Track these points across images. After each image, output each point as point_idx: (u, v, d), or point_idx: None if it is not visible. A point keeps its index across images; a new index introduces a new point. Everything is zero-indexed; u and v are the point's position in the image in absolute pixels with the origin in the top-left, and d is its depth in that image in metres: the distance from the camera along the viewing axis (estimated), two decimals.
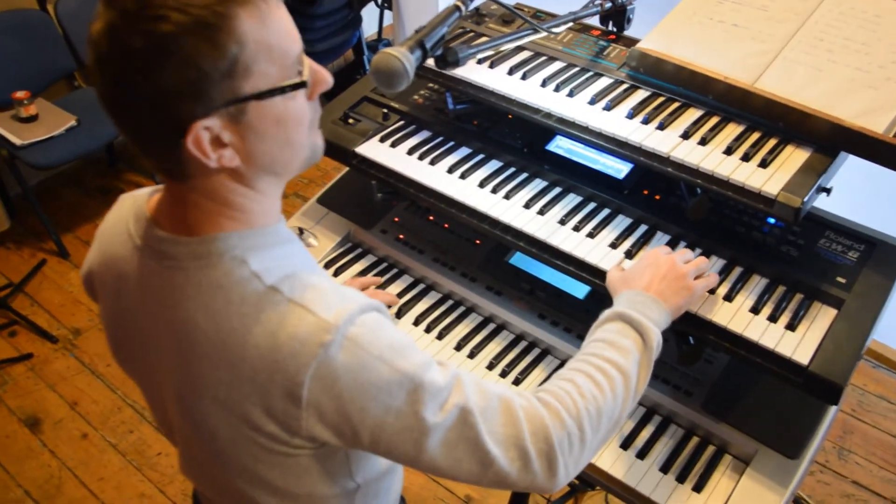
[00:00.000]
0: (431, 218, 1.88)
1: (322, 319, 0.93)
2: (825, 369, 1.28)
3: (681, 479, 1.42)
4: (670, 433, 1.49)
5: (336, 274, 1.81)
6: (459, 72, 1.63)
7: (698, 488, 1.40)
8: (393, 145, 1.75)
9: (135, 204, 1.08)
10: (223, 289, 0.96)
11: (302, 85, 0.94)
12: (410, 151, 1.73)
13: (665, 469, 1.43)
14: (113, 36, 0.84)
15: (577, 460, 1.07)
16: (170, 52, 0.83)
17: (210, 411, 0.99)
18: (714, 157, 1.40)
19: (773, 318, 1.36)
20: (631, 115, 1.51)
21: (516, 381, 1.57)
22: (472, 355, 1.62)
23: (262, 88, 0.90)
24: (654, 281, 1.29)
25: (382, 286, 1.78)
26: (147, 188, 1.11)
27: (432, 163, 1.69)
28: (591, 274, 1.47)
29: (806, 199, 1.30)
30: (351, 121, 1.81)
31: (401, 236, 1.85)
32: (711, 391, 1.50)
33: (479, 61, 1.69)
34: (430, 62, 1.39)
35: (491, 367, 1.60)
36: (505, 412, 1.02)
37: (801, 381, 1.29)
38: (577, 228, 1.53)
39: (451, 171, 1.67)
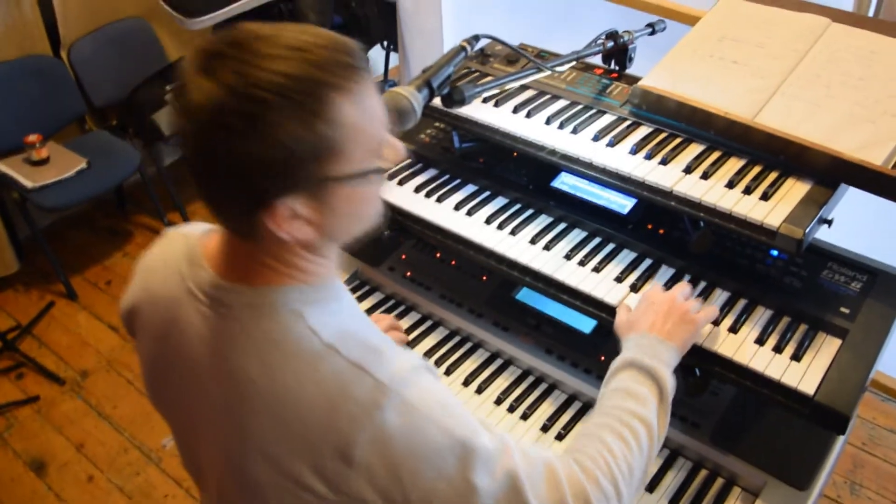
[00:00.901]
0: (438, 255, 1.91)
1: (379, 382, 0.94)
2: (831, 399, 1.29)
3: None
4: (678, 466, 1.50)
5: None
6: (465, 110, 1.67)
7: None
8: (400, 183, 1.78)
9: (187, 244, 1.09)
10: (279, 343, 0.97)
11: (386, 169, 0.97)
12: (418, 189, 1.76)
13: (674, 503, 1.44)
14: (215, 109, 0.85)
15: None
16: (267, 132, 0.85)
17: (257, 466, 0.99)
18: (716, 190, 1.43)
19: (778, 349, 1.38)
20: (634, 151, 1.54)
21: (524, 416, 1.58)
22: (479, 391, 1.64)
23: (350, 172, 0.92)
24: (658, 321, 1.32)
25: None
26: (198, 227, 1.12)
27: (439, 200, 1.73)
28: (597, 308, 1.49)
29: (807, 230, 1.33)
30: None
31: (408, 273, 1.88)
32: (719, 423, 1.51)
33: (485, 100, 1.74)
34: (437, 101, 1.43)
35: (499, 402, 1.61)
36: (549, 478, 1.03)
37: (808, 411, 1.31)
38: (582, 263, 1.55)
39: (457, 208, 1.70)
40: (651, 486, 1.46)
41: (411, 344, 1.74)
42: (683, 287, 1.40)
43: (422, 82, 1.33)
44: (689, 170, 1.48)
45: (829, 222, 1.42)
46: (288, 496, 0.98)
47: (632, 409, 1.17)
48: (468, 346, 1.74)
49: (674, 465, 1.50)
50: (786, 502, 1.40)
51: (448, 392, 1.01)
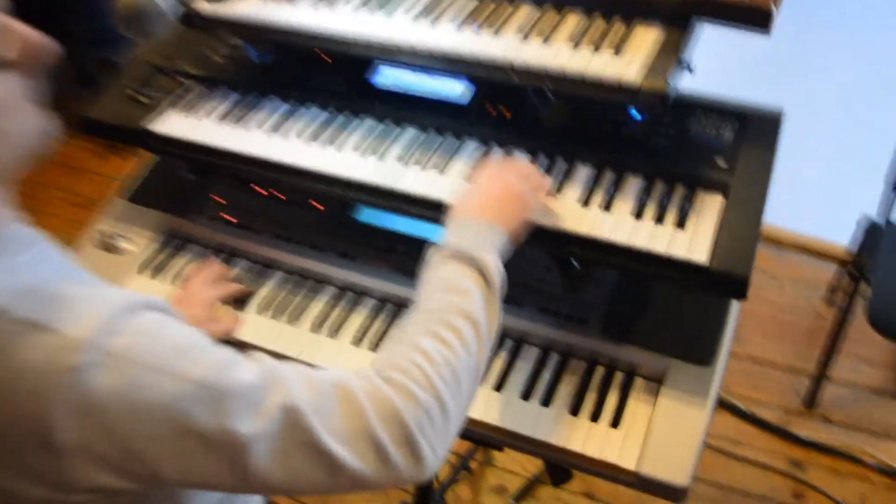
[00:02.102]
0: (259, 190, 1.60)
1: (66, 337, 0.71)
2: (727, 264, 1.12)
3: (595, 417, 1.24)
4: (572, 369, 1.31)
5: (158, 271, 1.52)
6: (251, 11, 1.35)
7: (616, 423, 1.23)
8: (196, 116, 1.45)
9: None
10: None
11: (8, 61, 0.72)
12: (217, 118, 1.44)
13: (576, 410, 1.25)
14: None
15: (444, 436, 0.89)
16: None
17: None
18: (562, 54, 1.19)
19: (659, 219, 1.18)
20: (460, 26, 1.28)
21: None
22: (332, 333, 1.38)
23: None
24: (487, 204, 1.11)
25: None
26: None
27: (244, 126, 1.42)
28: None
29: (670, 80, 1.12)
30: (143, 98, 1.50)
31: (229, 217, 1.57)
32: (607, 314, 1.32)
33: None
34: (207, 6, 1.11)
35: (357, 342, 1.37)
36: (344, 401, 0.82)
37: (704, 282, 1.13)
38: (423, 166, 1.30)
39: (267, 131, 1.40)
40: (547, 399, 1.26)
41: (249, 295, 1.46)
42: (518, 168, 1.19)
43: None
44: (526, 36, 1.23)
45: (691, 68, 1.22)
46: None
47: (451, 303, 0.97)
48: (311, 285, 1.47)
49: (567, 368, 1.31)
50: (693, 381, 1.24)
51: (186, 329, 0.79)
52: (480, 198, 1.13)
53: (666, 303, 1.32)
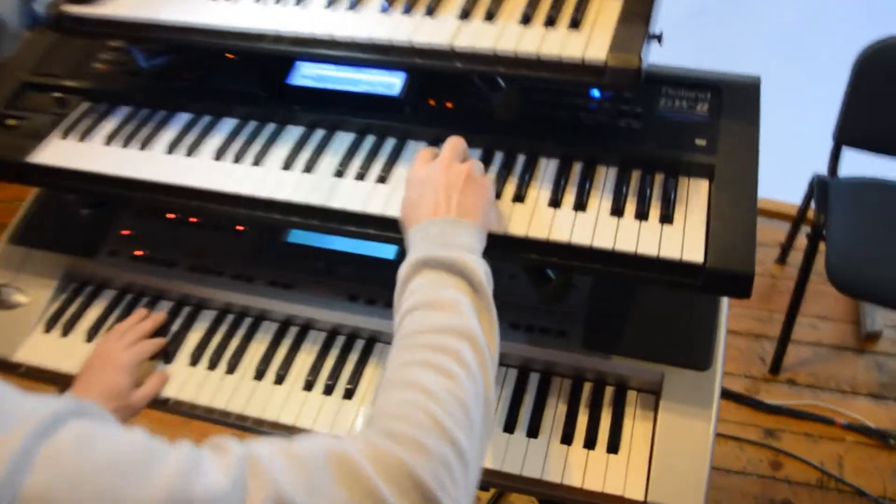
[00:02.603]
0: (172, 216, 1.38)
1: None
2: (725, 261, 0.96)
3: (590, 443, 1.08)
4: (556, 390, 1.14)
5: (67, 330, 1.28)
6: (128, 11, 1.12)
7: (614, 447, 1.08)
8: (82, 138, 1.21)
9: None
10: None
11: None
12: (109, 140, 1.20)
13: (568, 438, 1.09)
14: None
15: (466, 486, 0.71)
16: None
17: None
18: (511, 32, 1.00)
19: (642, 216, 1.02)
20: (386, 8, 1.08)
21: (348, 395, 1.16)
22: (279, 380, 1.18)
23: None
24: (440, 197, 0.93)
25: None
26: None
27: (143, 146, 1.19)
28: (398, 231, 1.05)
29: (642, 53, 0.95)
30: (12, 122, 1.25)
31: (138, 252, 1.34)
32: (587, 323, 1.16)
33: None
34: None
35: (309, 386, 1.17)
36: (341, 472, 0.63)
37: (702, 283, 0.97)
38: (360, 176, 1.10)
39: (171, 150, 1.17)
40: (533, 429, 1.10)
41: (171, 346, 1.24)
42: (453, 146, 1.00)
43: None
44: (466, 14, 1.04)
45: (660, 38, 1.05)
46: None
47: (437, 322, 0.80)
48: (248, 323, 1.27)
49: (550, 390, 1.14)
50: (692, 389, 1.09)
51: (120, 435, 0.59)
52: (427, 194, 0.94)
53: (652, 305, 1.16)
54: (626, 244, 0.98)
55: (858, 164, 2.24)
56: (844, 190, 2.18)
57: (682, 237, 0.99)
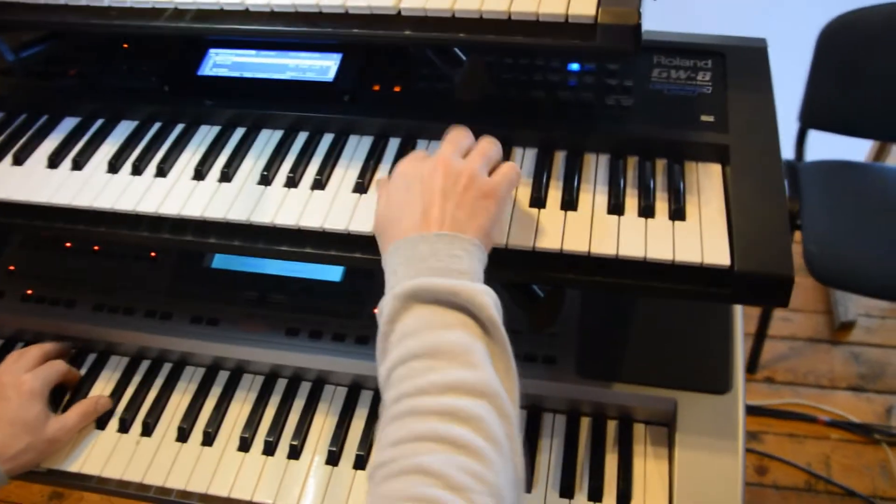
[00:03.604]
0: (69, 244, 1.11)
1: None
2: (758, 261, 0.74)
3: (595, 495, 0.85)
4: (548, 429, 0.91)
5: None
6: None
7: (625, 496, 0.85)
8: None
9: None
10: None
11: None
12: None
13: (568, 491, 0.86)
14: None
15: None
16: None
17: None
18: None
19: (647, 212, 0.79)
20: None
21: (294, 453, 0.91)
22: (208, 439, 0.93)
23: None
24: (432, 203, 0.68)
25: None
26: None
27: (17, 161, 0.92)
28: (343, 247, 0.81)
29: (641, 7, 0.73)
30: None
31: (29, 291, 1.07)
32: (581, 346, 0.93)
33: None
34: None
35: (245, 445, 0.92)
36: None
37: (731, 291, 0.74)
38: (292, 182, 0.85)
39: (53, 163, 0.91)
40: (527, 483, 0.87)
41: (74, 401, 0.97)
42: (454, 140, 0.75)
43: None
44: None
45: None
46: None
47: (448, 381, 0.58)
48: (167, 370, 1.01)
49: (541, 431, 0.91)
50: (713, 417, 0.88)
51: None
52: (414, 199, 0.69)
53: (655, 321, 0.94)
54: (631, 248, 0.75)
55: (824, 146, 2.07)
56: (814, 175, 2.01)
57: (700, 236, 0.77)
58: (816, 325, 2.28)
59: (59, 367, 0.97)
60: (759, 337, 2.10)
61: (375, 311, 0.66)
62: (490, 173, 0.73)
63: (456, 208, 0.68)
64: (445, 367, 0.59)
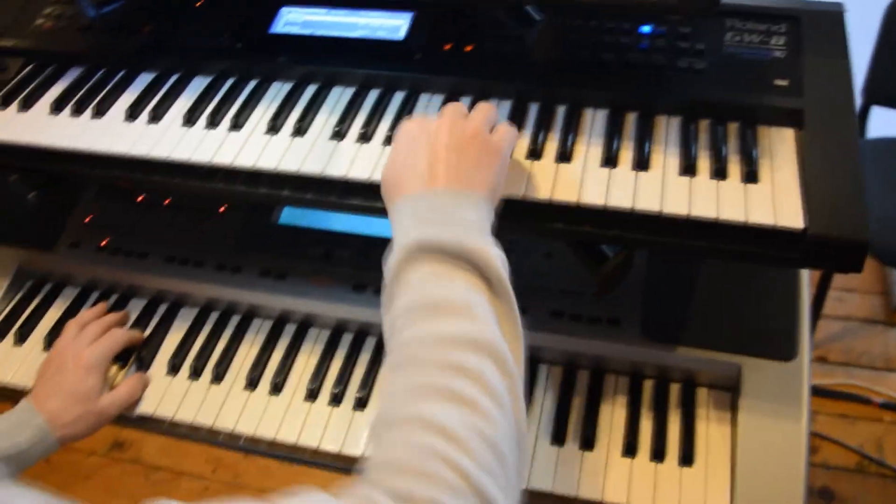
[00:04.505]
0: (141, 198, 1.15)
1: None
2: (833, 225, 0.73)
3: (658, 455, 0.86)
4: (611, 389, 0.92)
5: (23, 337, 1.05)
6: None
7: (687, 458, 0.85)
8: (25, 106, 0.97)
9: None
10: None
11: None
12: (56, 108, 0.96)
13: (631, 448, 0.87)
14: None
15: None
16: None
17: None
18: None
19: (720, 174, 0.79)
20: None
21: (360, 404, 0.93)
22: (276, 389, 0.95)
23: None
24: (438, 160, 0.69)
25: None
26: None
27: (97, 114, 0.95)
28: None
29: None
30: None
31: (103, 243, 1.11)
32: (646, 309, 0.93)
33: None
34: None
35: (313, 395, 0.94)
36: None
37: (803, 255, 0.75)
38: (364, 137, 0.87)
39: (131, 116, 0.93)
40: (588, 440, 0.87)
41: (145, 350, 1.01)
42: (457, 106, 0.76)
43: None
44: None
45: None
46: None
47: (451, 334, 0.59)
48: (235, 322, 1.04)
49: (603, 390, 0.92)
50: (777, 384, 0.87)
51: None
52: (420, 155, 0.70)
53: (721, 285, 0.94)
54: (704, 209, 0.75)
55: (887, 123, 2.02)
56: (877, 151, 1.96)
57: (773, 198, 0.76)
58: (872, 305, 2.24)
59: (117, 338, 0.98)
60: (814, 316, 2.07)
61: (385, 258, 0.67)
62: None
63: (461, 164, 0.69)
64: (448, 321, 0.59)
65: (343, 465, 0.90)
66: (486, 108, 0.76)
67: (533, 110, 0.87)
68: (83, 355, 0.94)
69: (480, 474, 0.51)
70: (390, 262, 0.65)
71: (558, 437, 0.88)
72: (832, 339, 2.16)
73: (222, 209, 1.10)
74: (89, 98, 0.97)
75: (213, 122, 0.90)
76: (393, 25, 0.94)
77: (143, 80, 0.99)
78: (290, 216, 1.07)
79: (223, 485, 1.97)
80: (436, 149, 0.70)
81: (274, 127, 0.88)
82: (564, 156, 0.81)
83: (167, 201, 1.13)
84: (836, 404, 2.02)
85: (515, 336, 0.63)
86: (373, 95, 0.92)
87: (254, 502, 0.49)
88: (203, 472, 2.01)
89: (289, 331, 1.01)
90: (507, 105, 0.88)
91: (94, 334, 0.98)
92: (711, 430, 0.87)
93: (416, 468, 0.51)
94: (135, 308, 1.07)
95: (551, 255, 0.98)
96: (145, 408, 0.96)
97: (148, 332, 1.04)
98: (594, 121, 0.86)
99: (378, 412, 0.58)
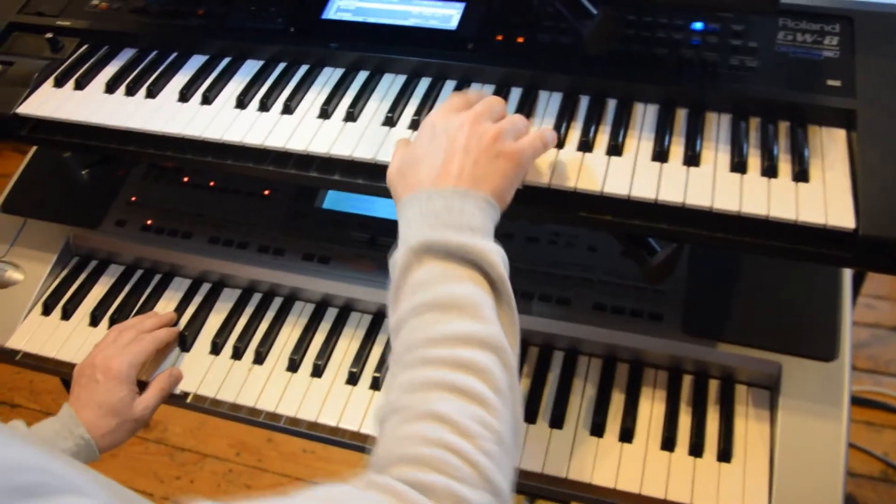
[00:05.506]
0: (187, 179, 1.16)
1: None
2: (885, 226, 0.74)
3: (696, 450, 0.86)
4: (650, 384, 0.93)
5: (70, 310, 1.07)
6: None
7: (725, 455, 0.86)
8: (79, 85, 0.99)
9: None
10: None
11: None
12: (110, 87, 0.98)
13: (669, 444, 0.87)
14: None
15: None
16: None
17: None
18: None
19: (770, 172, 0.79)
20: None
21: None
22: (317, 371, 0.97)
23: None
24: (454, 159, 0.70)
25: (146, 303, 1.07)
26: None
27: (150, 94, 0.96)
28: None
29: None
30: None
31: (149, 222, 1.13)
32: (688, 304, 0.94)
33: None
34: None
35: (353, 379, 0.96)
36: None
37: (852, 255, 0.75)
38: (416, 125, 0.88)
39: (184, 97, 0.95)
40: (627, 432, 0.88)
41: (188, 331, 1.03)
42: (493, 103, 0.77)
43: None
44: None
45: None
46: None
47: (459, 332, 0.62)
48: (277, 304, 1.05)
49: (643, 384, 0.93)
50: (818, 384, 0.88)
51: None
52: (436, 152, 0.72)
53: (763, 282, 0.94)
54: (754, 206, 0.76)
55: None
56: None
57: (824, 198, 0.76)
58: None
59: (145, 346, 0.97)
60: None
61: (390, 256, 0.69)
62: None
63: (474, 165, 0.70)
64: (456, 320, 0.62)
65: None
66: (515, 118, 0.77)
67: (584, 103, 0.88)
68: (112, 367, 0.94)
69: (491, 467, 0.55)
70: (398, 262, 0.67)
71: (597, 430, 0.88)
72: (860, 346, 2.15)
73: (267, 192, 1.12)
74: (142, 79, 0.98)
75: (265, 106, 0.92)
76: (445, 15, 0.95)
77: (196, 62, 1.00)
78: (334, 201, 1.09)
79: (246, 468, 2.00)
80: (452, 147, 0.71)
81: (326, 112, 0.90)
82: (616, 149, 0.82)
83: (212, 183, 1.14)
84: (861, 411, 2.01)
85: (513, 332, 0.66)
86: (424, 83, 0.93)
87: (281, 498, 0.51)
88: (227, 454, 2.03)
89: (331, 314, 1.02)
90: (557, 97, 0.89)
91: (127, 341, 0.97)
92: (750, 428, 0.88)
93: (430, 459, 0.54)
94: (178, 287, 1.09)
95: (595, 249, 0.99)
96: (188, 387, 0.98)
97: (191, 311, 1.05)
98: (645, 115, 0.86)
99: (391, 406, 0.60)
